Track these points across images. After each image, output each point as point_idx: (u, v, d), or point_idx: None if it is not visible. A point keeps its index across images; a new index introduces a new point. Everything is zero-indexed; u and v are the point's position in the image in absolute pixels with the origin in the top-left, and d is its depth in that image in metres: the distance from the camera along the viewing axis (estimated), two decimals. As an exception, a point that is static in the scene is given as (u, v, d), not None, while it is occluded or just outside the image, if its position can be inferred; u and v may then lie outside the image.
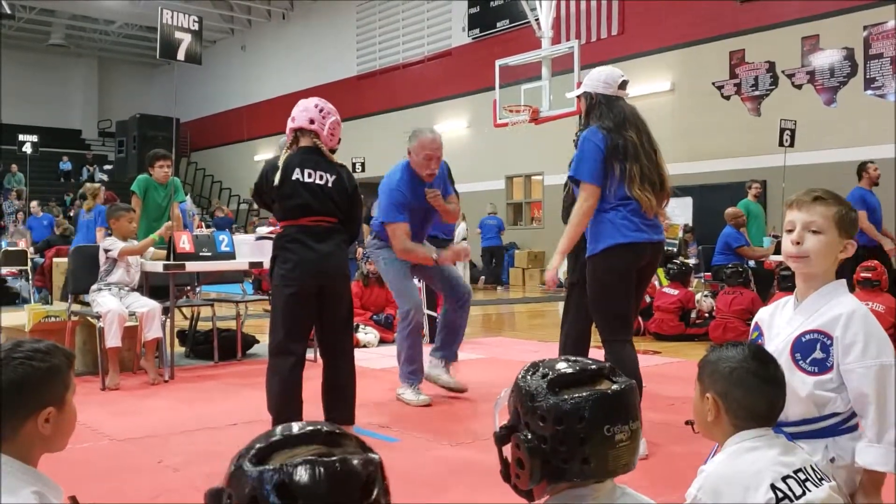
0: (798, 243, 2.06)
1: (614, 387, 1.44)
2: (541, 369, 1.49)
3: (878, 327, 2.01)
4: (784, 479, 1.67)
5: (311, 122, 4.03)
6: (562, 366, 1.48)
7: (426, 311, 7.88)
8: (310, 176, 3.94)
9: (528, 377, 1.49)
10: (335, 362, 4.05)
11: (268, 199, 4.05)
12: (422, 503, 3.09)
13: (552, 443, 1.42)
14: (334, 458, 1.05)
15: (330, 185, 3.97)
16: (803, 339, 2.03)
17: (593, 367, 1.49)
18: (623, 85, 3.99)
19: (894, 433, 1.93)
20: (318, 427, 1.13)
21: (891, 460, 1.92)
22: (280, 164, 3.94)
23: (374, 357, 6.92)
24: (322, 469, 1.03)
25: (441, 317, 5.43)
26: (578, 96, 4.07)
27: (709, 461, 1.85)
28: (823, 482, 1.72)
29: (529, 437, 1.44)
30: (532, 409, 1.45)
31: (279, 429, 1.13)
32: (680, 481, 1.95)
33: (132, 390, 5.47)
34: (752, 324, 2.25)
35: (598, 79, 3.96)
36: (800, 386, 2.00)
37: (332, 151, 4.12)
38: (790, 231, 2.09)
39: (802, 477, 1.69)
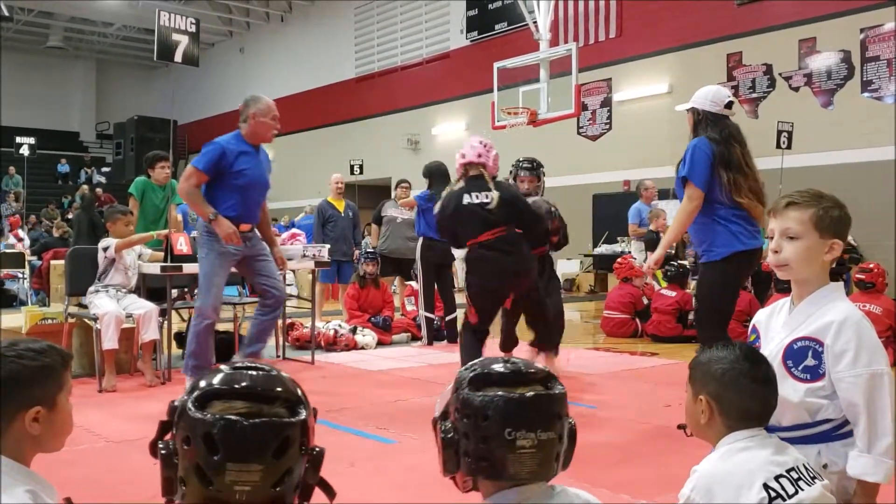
0: (777, 252, 2.04)
1: (529, 393, 1.42)
2: (477, 365, 1.49)
3: (870, 334, 1.97)
4: (777, 478, 1.68)
5: (479, 156, 5.05)
6: (495, 365, 1.48)
7: (424, 314, 7.87)
8: (476, 197, 4.95)
9: (464, 370, 1.51)
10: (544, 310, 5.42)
11: (449, 227, 5.14)
12: (418, 504, 3.10)
13: (459, 434, 1.44)
14: (255, 420, 1.24)
15: (494, 202, 4.91)
16: (795, 347, 2.00)
17: (529, 371, 1.47)
18: (729, 105, 4.36)
19: (885, 443, 1.90)
20: (256, 384, 1.30)
21: (880, 470, 1.89)
22: (449, 194, 5.06)
23: (372, 359, 6.92)
24: (242, 427, 1.23)
25: (253, 317, 5.49)
26: (687, 110, 4.44)
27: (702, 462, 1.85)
28: (816, 481, 1.72)
29: (447, 426, 1.47)
30: (454, 399, 1.47)
31: (224, 377, 1.31)
32: (673, 481, 1.96)
33: (129, 392, 5.46)
34: (750, 326, 2.24)
35: (707, 97, 4.34)
36: (791, 393, 1.97)
37: (494, 177, 5.12)
38: (772, 238, 2.07)
39: (795, 476, 1.69)
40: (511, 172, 6.16)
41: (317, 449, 1.34)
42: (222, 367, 1.36)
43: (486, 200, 4.94)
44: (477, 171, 5.04)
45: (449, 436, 1.46)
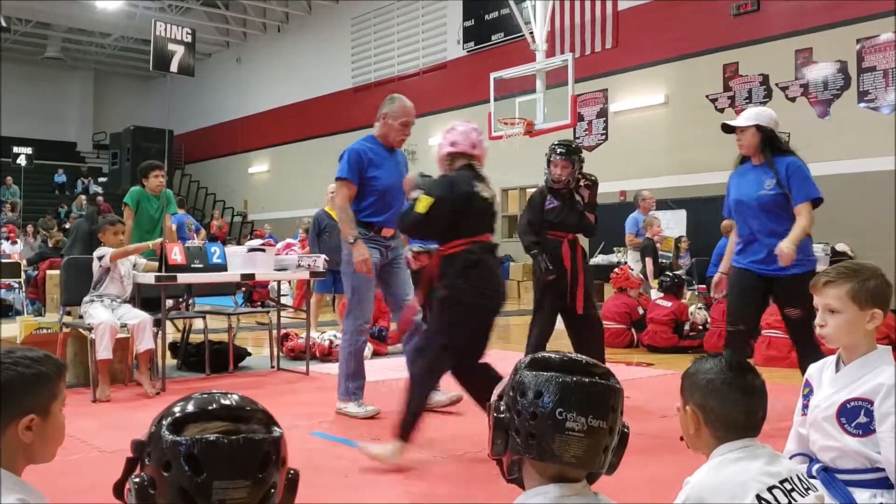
0: (822, 326, 2.22)
1: (585, 379, 1.44)
2: (537, 354, 1.53)
3: None
4: (770, 489, 1.67)
5: (474, 146, 4.03)
6: (556, 355, 1.51)
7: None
8: (484, 191, 3.94)
9: (524, 357, 1.54)
10: None
11: (448, 218, 3.86)
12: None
13: (511, 412, 1.46)
14: (237, 437, 1.25)
15: (494, 202, 4.01)
16: (848, 406, 2.16)
17: (589, 363, 1.49)
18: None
19: None
20: (230, 404, 1.31)
21: None
22: (459, 176, 3.94)
23: (367, 369, 6.87)
24: (226, 444, 1.23)
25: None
26: (742, 128, 4.46)
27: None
28: (810, 492, 1.71)
29: (500, 406, 1.49)
30: (510, 381, 1.50)
31: (196, 401, 1.31)
32: (667, 491, 1.95)
33: (123, 402, 5.44)
34: (804, 380, 2.36)
35: (772, 116, 4.47)
36: (847, 445, 2.12)
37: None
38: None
39: (788, 487, 1.69)
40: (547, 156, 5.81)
41: (292, 471, 1.35)
42: (192, 395, 1.36)
43: (490, 198, 3.99)
44: (466, 162, 4.01)
45: (500, 415, 1.48)
